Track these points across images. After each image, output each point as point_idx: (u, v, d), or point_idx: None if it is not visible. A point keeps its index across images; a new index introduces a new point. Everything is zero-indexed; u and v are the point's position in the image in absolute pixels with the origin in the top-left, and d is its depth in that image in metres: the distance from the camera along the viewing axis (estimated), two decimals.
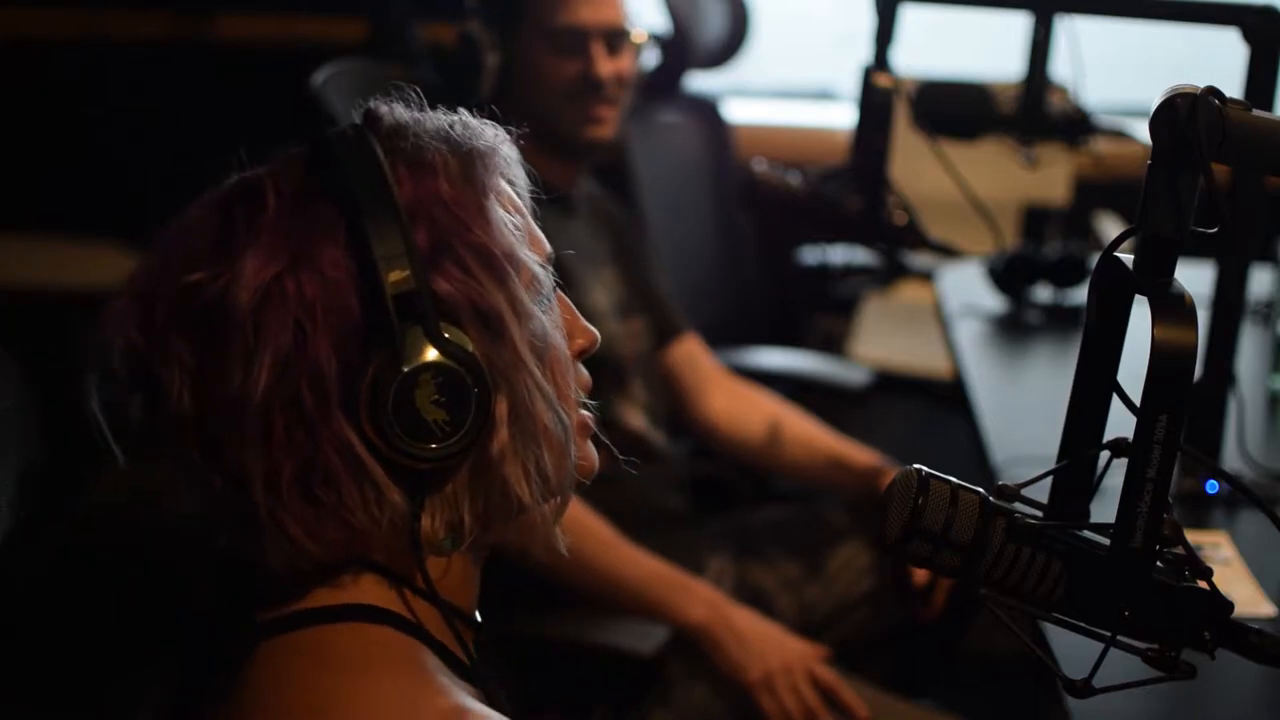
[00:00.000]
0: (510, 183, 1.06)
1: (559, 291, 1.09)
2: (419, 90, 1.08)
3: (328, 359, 0.97)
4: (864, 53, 2.09)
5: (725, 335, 2.98)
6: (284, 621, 1.01)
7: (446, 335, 0.98)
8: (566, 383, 1.06)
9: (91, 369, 1.02)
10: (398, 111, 1.06)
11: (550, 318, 1.06)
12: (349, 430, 0.97)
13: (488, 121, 1.07)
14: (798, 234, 3.62)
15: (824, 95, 4.06)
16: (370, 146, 1.00)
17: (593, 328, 1.12)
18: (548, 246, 1.09)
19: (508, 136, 1.08)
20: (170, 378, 0.98)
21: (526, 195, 1.08)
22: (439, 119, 1.06)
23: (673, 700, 2.05)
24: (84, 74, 3.69)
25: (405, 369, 0.97)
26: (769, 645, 2.00)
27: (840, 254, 3.61)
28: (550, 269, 1.08)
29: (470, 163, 1.03)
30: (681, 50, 3.19)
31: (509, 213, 1.04)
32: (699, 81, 3.49)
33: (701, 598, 2.02)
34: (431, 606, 1.04)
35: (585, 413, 1.10)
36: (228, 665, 1.03)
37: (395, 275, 0.97)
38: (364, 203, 0.98)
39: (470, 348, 0.99)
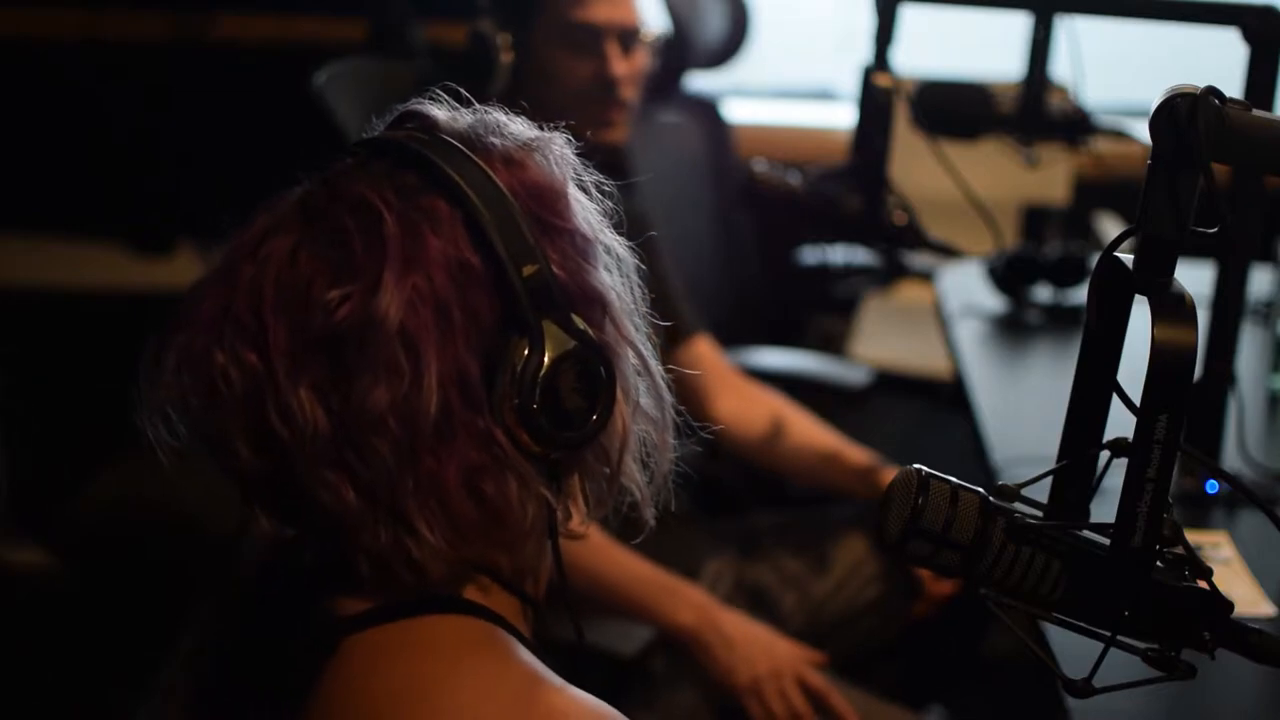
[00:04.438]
0: (575, 171, 1.09)
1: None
2: (453, 90, 1.09)
3: (470, 359, 0.98)
4: (864, 53, 2.09)
5: (725, 335, 2.97)
6: (368, 616, 1.02)
7: (576, 321, 1.00)
8: (654, 362, 1.09)
9: (150, 383, 1.00)
10: (449, 113, 1.07)
11: (636, 296, 1.09)
12: (495, 428, 0.98)
13: (517, 117, 1.09)
14: (798, 234, 3.62)
15: (824, 95, 4.05)
16: (458, 146, 1.02)
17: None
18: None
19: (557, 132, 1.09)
20: (298, 398, 0.97)
21: (587, 180, 1.10)
22: (485, 117, 1.07)
23: (659, 704, 2.03)
24: (84, 74, 3.69)
25: (548, 359, 0.99)
26: (757, 650, 1.98)
27: (840, 254, 3.60)
28: (633, 246, 1.10)
29: (547, 154, 1.06)
30: (681, 50, 3.19)
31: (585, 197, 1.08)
32: (699, 81, 3.48)
33: (690, 601, 2.00)
34: (505, 591, 1.05)
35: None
36: (302, 662, 1.03)
37: (527, 269, 0.99)
38: (479, 201, 0.99)
39: (592, 333, 1.01)
